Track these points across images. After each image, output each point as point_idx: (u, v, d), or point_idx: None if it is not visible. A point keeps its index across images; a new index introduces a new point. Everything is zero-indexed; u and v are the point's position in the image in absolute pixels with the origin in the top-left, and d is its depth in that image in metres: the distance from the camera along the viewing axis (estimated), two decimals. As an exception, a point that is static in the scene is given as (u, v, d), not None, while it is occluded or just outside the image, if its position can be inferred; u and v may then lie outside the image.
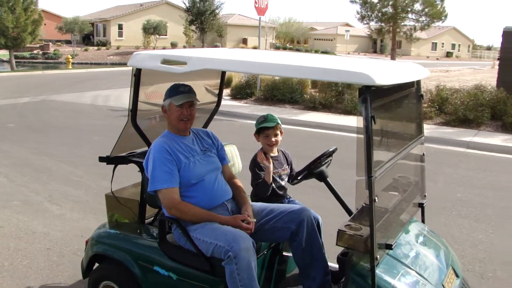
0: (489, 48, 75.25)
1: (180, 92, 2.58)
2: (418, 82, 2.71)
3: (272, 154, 3.02)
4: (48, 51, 37.18)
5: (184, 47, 38.69)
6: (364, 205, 2.16)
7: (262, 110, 11.99)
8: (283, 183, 3.03)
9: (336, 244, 2.14)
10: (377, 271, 2.06)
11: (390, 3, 22.88)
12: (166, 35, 42.30)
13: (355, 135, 9.26)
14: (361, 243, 2.06)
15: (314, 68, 2.03)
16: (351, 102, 11.65)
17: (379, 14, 23.42)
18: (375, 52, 58.96)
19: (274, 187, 2.95)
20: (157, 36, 40.79)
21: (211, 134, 2.85)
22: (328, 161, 3.00)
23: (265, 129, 2.95)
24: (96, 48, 40.67)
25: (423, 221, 2.86)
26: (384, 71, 2.02)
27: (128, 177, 3.16)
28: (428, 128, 9.54)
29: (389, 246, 2.18)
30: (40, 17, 24.84)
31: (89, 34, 45.16)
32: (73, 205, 5.09)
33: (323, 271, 2.50)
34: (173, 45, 40.52)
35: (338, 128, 10.12)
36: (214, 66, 2.44)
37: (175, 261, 2.49)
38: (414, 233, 2.64)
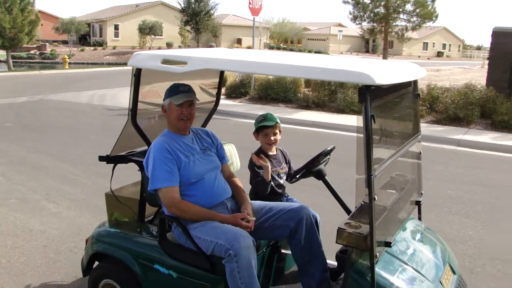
0: (479, 48, 75.86)
1: (180, 91, 2.60)
2: (415, 81, 2.75)
3: (270, 153, 3.04)
4: (45, 51, 37.27)
5: (180, 47, 38.81)
6: (363, 203, 2.19)
7: (256, 109, 12.03)
8: (281, 181, 3.05)
9: (336, 242, 2.16)
10: (376, 268, 2.08)
11: (382, 3, 22.98)
12: (161, 35, 42.56)
13: (348, 133, 9.51)
14: (360, 241, 2.08)
15: (316, 68, 2.05)
16: (344, 101, 11.76)
17: (371, 15, 23.51)
18: (367, 52, 59.20)
19: (273, 185, 2.97)
20: (153, 36, 41.08)
21: (210, 134, 2.86)
22: (326, 160, 3.03)
23: (264, 128, 2.97)
24: (92, 48, 40.77)
25: (419, 218, 2.90)
26: (384, 71, 2.04)
27: (128, 176, 3.18)
28: (420, 127, 9.63)
29: (388, 244, 2.20)
30: (37, 17, 24.82)
31: (85, 35, 45.27)
32: (70, 203, 5.10)
33: (321, 268, 2.53)
34: (169, 45, 40.65)
35: (332, 126, 10.21)
36: (214, 66, 2.45)
37: (175, 259, 2.50)
38: (411, 230, 2.68)
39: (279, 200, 2.97)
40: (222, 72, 3.36)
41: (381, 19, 23.36)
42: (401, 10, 23.33)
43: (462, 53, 65.87)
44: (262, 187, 2.90)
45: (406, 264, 2.31)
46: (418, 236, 2.65)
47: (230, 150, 3.33)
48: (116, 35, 44.99)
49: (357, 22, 24.53)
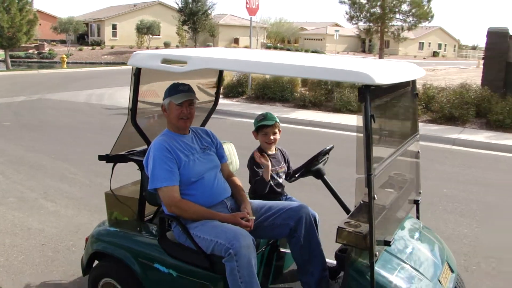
0: (474, 48, 76.20)
1: (180, 91, 2.60)
2: (414, 81, 2.76)
3: (270, 152, 3.05)
4: (43, 51, 37.19)
5: (177, 46, 38.82)
6: (362, 202, 2.20)
7: (253, 108, 12.04)
8: (280, 180, 3.06)
9: (336, 241, 2.17)
10: (376, 267, 2.08)
11: (378, 3, 23.03)
12: (159, 35, 42.58)
13: (345, 132, 9.55)
14: (360, 240, 2.08)
15: (317, 68, 2.06)
16: (340, 101, 11.77)
17: (368, 15, 23.57)
18: (363, 51, 59.27)
19: (272, 184, 2.98)
20: (151, 36, 41.13)
21: (210, 133, 2.87)
22: (325, 159, 3.04)
23: (264, 127, 2.98)
24: (90, 47, 40.76)
25: (418, 217, 2.92)
26: (383, 71, 2.05)
27: (127, 175, 3.18)
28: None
29: (387, 243, 2.21)
30: (35, 17, 24.73)
31: (83, 34, 45.24)
32: (68, 201, 5.10)
33: (321, 267, 2.54)
34: (166, 45, 40.63)
35: (329, 125, 10.24)
36: (214, 66, 2.45)
37: (175, 258, 2.50)
38: (410, 229, 2.69)
39: (278, 199, 2.98)
40: (221, 72, 3.37)
41: (377, 19, 23.42)
42: (397, 10, 23.41)
43: (457, 53, 66.14)
44: (261, 186, 2.90)
45: (405, 262, 2.32)
46: (416, 235, 2.67)
47: (229, 149, 3.33)
48: (114, 34, 45.03)
49: (354, 22, 24.61)
